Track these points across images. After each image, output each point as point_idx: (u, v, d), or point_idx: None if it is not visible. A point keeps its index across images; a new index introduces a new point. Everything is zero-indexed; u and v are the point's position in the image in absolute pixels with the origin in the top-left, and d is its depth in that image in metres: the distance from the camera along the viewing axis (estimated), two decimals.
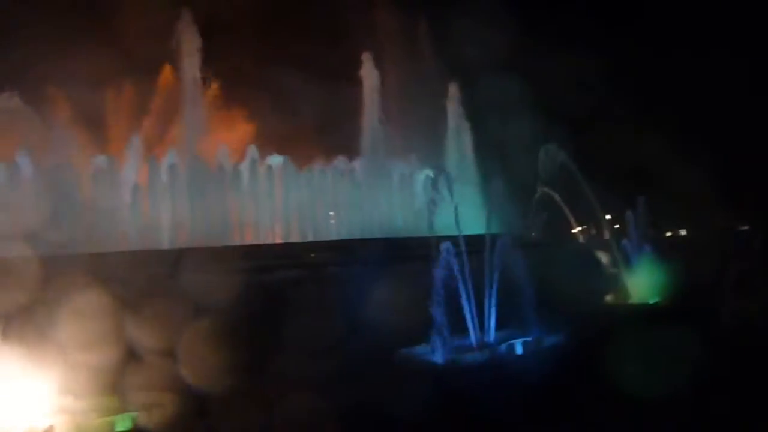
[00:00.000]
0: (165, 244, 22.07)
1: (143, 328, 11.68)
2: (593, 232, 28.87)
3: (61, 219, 20.23)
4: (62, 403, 10.00)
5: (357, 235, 23.35)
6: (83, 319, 11.29)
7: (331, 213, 26.34)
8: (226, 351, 11.41)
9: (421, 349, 13.05)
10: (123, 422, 10.11)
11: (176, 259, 15.44)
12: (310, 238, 23.89)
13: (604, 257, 22.07)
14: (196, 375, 10.95)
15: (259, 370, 11.08)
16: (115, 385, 10.76)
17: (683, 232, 42.17)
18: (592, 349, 11.88)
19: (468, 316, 13.71)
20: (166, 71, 30.78)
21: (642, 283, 19.72)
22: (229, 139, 29.76)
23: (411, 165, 29.43)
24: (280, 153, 26.54)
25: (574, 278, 16.54)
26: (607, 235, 24.58)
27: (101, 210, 22.01)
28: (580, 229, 26.95)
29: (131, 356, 11.20)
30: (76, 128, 28.29)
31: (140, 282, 13.04)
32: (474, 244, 15.40)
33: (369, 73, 30.38)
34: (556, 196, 21.49)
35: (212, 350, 11.58)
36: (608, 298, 19.87)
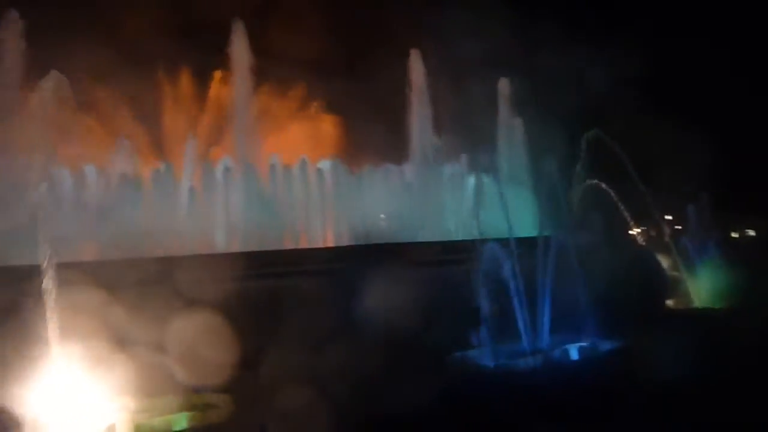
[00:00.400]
0: (219, 248, 22.50)
1: (201, 330, 11.93)
2: (652, 233, 27.88)
3: (125, 225, 20.95)
4: (122, 403, 10.34)
5: (407, 238, 23.19)
6: (142, 321, 11.60)
7: (382, 216, 26.31)
8: (278, 352, 11.55)
9: (473, 353, 12.89)
10: (179, 422, 10.37)
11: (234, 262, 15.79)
12: (361, 242, 23.92)
13: (664, 259, 21.31)
14: (251, 376, 11.13)
15: (313, 372, 11.13)
16: (172, 386, 11.06)
17: (752, 233, 40.21)
18: (652, 355, 11.44)
19: (520, 320, 13.46)
20: (218, 76, 31.52)
21: (706, 287, 18.92)
22: (280, 143, 30.27)
23: (461, 166, 29.07)
24: (330, 157, 26.75)
25: (632, 281, 16.02)
26: (667, 236, 23.71)
27: (159, 215, 22.65)
28: (639, 230, 26.04)
29: (188, 358, 11.45)
30: (135, 134, 29.42)
31: (199, 286, 13.31)
32: (526, 245, 15.14)
33: (417, 73, 30.19)
34: (612, 194, 20.72)
35: (264, 351, 11.75)
36: (669, 302, 19.14)
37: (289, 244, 23.04)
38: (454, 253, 17.27)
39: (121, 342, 11.05)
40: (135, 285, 12.39)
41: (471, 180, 27.47)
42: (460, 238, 24.01)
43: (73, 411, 9.71)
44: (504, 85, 30.91)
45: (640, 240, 26.30)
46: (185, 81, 33.06)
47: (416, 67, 30.29)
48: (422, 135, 30.09)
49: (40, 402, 9.50)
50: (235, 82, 28.19)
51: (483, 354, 12.69)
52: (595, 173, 21.65)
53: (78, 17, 28.62)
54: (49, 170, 22.11)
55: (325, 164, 25.96)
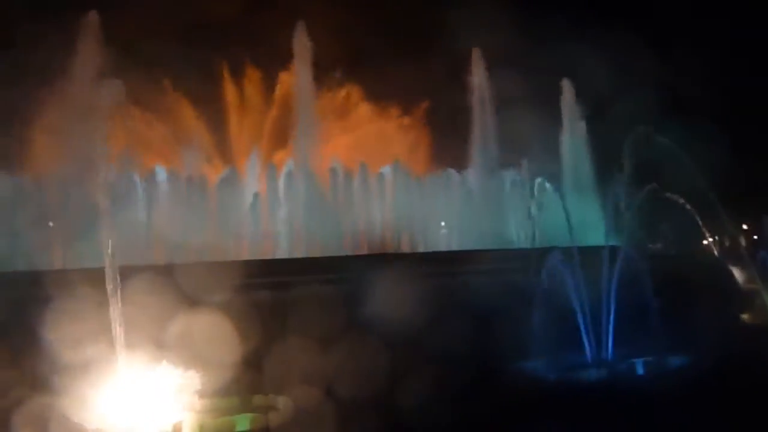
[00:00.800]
0: (282, 253, 22.95)
1: (269, 333, 12.16)
2: (726, 243, 26.58)
3: (193, 228, 21.69)
4: (188, 402, 10.66)
5: (468, 246, 22.98)
6: (206, 323, 11.94)
7: (443, 223, 26.16)
8: (337, 355, 11.66)
9: (533, 364, 12.61)
10: (242, 422, 10.60)
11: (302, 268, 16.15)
12: (421, 249, 23.87)
13: (740, 271, 20.27)
14: (314, 379, 11.25)
15: (368, 380, 11.16)
16: (237, 387, 11.33)
17: None
18: (724, 372, 10.91)
19: (583, 331, 13.10)
20: (283, 80, 31.94)
21: None
22: (342, 148, 30.55)
23: (523, 172, 28.50)
24: (391, 162, 26.78)
25: (704, 294, 15.32)
26: (743, 247, 22.55)
27: (224, 219, 23.34)
28: (711, 240, 24.88)
29: (255, 359, 11.71)
30: (201, 138, 30.40)
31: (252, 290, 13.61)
32: (591, 255, 14.73)
33: (478, 76, 29.78)
34: (685, 203, 19.79)
35: (327, 354, 11.87)
36: (744, 316, 18.19)
37: (347, 250, 23.19)
38: (514, 262, 17.00)
39: (186, 343, 11.37)
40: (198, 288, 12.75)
41: (532, 187, 27.01)
42: (521, 246, 23.67)
43: (140, 409, 10.05)
44: (567, 88, 30.11)
45: (714, 250, 25.12)
46: (250, 84, 33.70)
47: (478, 69, 29.89)
48: (484, 140, 29.73)
49: (106, 400, 9.88)
50: (297, 85, 28.51)
51: (543, 366, 12.38)
52: (653, 178, 20.83)
53: (143, 20, 29.66)
54: (122, 174, 23.18)
55: (386, 169, 26.04)
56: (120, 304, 10.20)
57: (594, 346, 13.02)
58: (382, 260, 18.79)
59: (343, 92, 34.20)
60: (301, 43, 27.95)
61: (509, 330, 12.38)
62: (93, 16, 24.34)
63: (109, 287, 10.22)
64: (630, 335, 13.10)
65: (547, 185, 26.11)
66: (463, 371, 11.45)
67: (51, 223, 21.90)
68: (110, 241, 10.48)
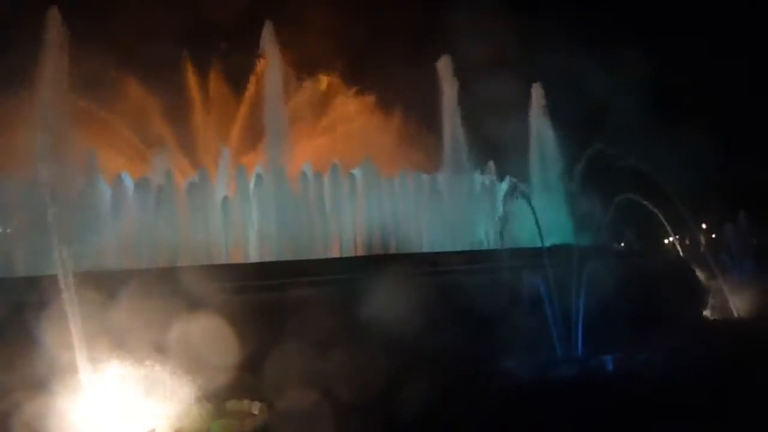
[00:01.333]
0: (252, 257, 22.76)
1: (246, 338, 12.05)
2: (687, 242, 27.37)
3: (161, 234, 21.39)
4: (162, 409, 10.54)
5: (437, 247, 23.14)
6: (185, 328, 11.79)
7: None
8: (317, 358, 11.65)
9: (506, 363, 12.81)
10: (216, 428, 10.54)
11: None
12: (392, 250, 23.94)
13: (700, 269, 20.91)
14: (290, 383, 11.21)
15: (344, 379, 11.18)
16: (209, 393, 11.22)
17: None
18: (692, 367, 11.26)
19: (553, 329, 13.37)
20: (252, 82, 31.58)
21: (743, 297, 18.52)
22: (312, 149, 30.45)
23: (491, 174, 28.93)
24: (361, 164, 26.79)
25: (668, 291, 15.77)
26: (703, 245, 23.26)
27: (195, 224, 23.03)
28: (673, 239, 25.61)
29: (224, 365, 11.61)
30: (168, 141, 29.87)
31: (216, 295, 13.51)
32: (559, 254, 15.04)
33: (448, 80, 30.02)
34: (648, 204, 20.40)
35: (306, 358, 11.84)
36: (706, 312, 18.79)
37: (319, 253, 23.13)
38: (483, 262, 17.22)
39: (158, 348, 11.22)
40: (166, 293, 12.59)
41: (501, 187, 27.40)
42: (490, 247, 23.96)
43: (114, 416, 9.92)
44: (537, 91, 30.61)
45: (678, 249, 25.87)
46: (217, 85, 33.22)
47: (446, 73, 30.15)
48: (453, 142, 29.95)
49: (80, 408, 9.73)
50: (267, 86, 28.18)
51: (516, 364, 12.59)
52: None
53: (107, 24, 29.08)
54: (88, 180, 22.71)
55: (356, 171, 26.05)
56: (79, 311, 10.05)
57: (564, 344, 13.28)
58: (358, 262, 18.85)
59: (314, 91, 33.86)
60: (270, 41, 27.64)
61: (484, 330, 12.57)
62: (55, 14, 23.78)
63: (64, 294, 10.08)
64: (598, 332, 13.41)
65: (513, 185, 26.56)
66: (439, 371, 11.55)
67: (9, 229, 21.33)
68: (63, 247, 10.35)
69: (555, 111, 30.90)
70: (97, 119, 26.95)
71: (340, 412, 10.06)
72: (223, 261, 21.96)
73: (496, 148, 29.19)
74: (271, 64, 27.93)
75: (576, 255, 14.77)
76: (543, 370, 12.51)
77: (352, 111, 33.98)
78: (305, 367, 11.32)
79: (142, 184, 23.72)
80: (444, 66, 29.91)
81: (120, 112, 28.51)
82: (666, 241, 25.79)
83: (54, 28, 23.73)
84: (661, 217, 20.34)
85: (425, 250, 23.86)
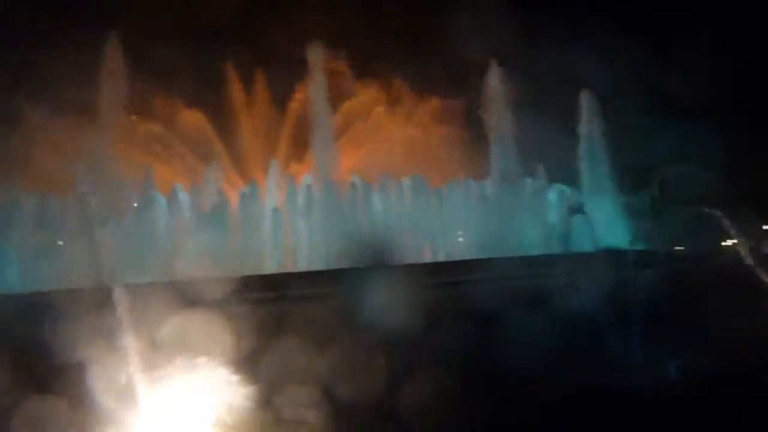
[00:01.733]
0: (304, 266, 23.00)
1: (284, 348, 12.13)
2: (751, 245, 26.11)
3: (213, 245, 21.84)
4: (219, 418, 10.64)
5: (487, 254, 22.89)
6: (242, 337, 11.92)
7: (460, 232, 26.08)
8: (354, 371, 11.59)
9: (567, 371, 12.46)
10: None
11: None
12: (441, 258, 23.85)
13: (764, 274, 19.89)
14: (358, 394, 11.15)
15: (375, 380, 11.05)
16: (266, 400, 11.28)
17: None
18: (756, 379, 10.73)
19: (613, 337, 12.94)
20: (299, 93, 31.93)
21: None
22: (359, 160, 30.62)
23: (541, 178, 28.43)
24: (410, 173, 26.78)
25: (729, 297, 15.10)
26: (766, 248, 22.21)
27: (246, 235, 23.48)
28: (734, 242, 24.48)
29: (279, 373, 11.69)
30: (220, 156, 30.57)
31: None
32: (615, 260, 14.63)
33: (492, 84, 29.67)
34: (711, 211, 19.55)
35: (344, 369, 11.82)
36: None
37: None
38: (536, 268, 16.92)
39: (215, 357, 11.34)
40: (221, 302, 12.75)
41: (551, 193, 26.91)
42: (542, 253, 23.50)
43: (170, 423, 10.04)
44: (585, 96, 30.04)
45: (742, 252, 24.69)
46: (263, 96, 33.67)
47: (493, 79, 29.82)
48: (502, 148, 29.61)
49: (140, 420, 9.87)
50: (312, 96, 28.49)
51: (577, 371, 12.23)
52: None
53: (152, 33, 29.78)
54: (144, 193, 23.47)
55: (406, 181, 26.05)
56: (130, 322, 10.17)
57: (626, 352, 12.84)
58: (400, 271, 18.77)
59: (360, 100, 33.98)
60: (315, 51, 27.96)
61: (535, 337, 12.30)
62: (113, 37, 24.78)
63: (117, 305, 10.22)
64: (657, 339, 12.93)
65: (565, 189, 26.11)
66: (505, 380, 11.37)
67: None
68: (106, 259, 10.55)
69: (605, 113, 30.38)
70: (151, 135, 27.93)
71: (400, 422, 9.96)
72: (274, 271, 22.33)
73: (541, 151, 28.69)
74: (316, 76, 28.31)
75: (632, 260, 14.36)
76: (604, 378, 12.11)
77: (397, 117, 34.02)
78: (362, 379, 11.28)
79: (195, 196, 24.42)
80: (493, 70, 29.59)
81: (171, 128, 29.42)
82: (728, 244, 24.70)
83: (114, 51, 24.87)
84: (724, 221, 19.47)
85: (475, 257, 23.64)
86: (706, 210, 17.62)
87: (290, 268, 22.81)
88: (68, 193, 21.31)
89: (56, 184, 22.15)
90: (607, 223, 20.38)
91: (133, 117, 27.39)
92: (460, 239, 25.90)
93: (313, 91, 28.26)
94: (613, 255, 14.04)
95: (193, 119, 31.38)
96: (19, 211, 22.18)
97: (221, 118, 32.15)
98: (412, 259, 23.83)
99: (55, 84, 25.92)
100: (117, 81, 24.33)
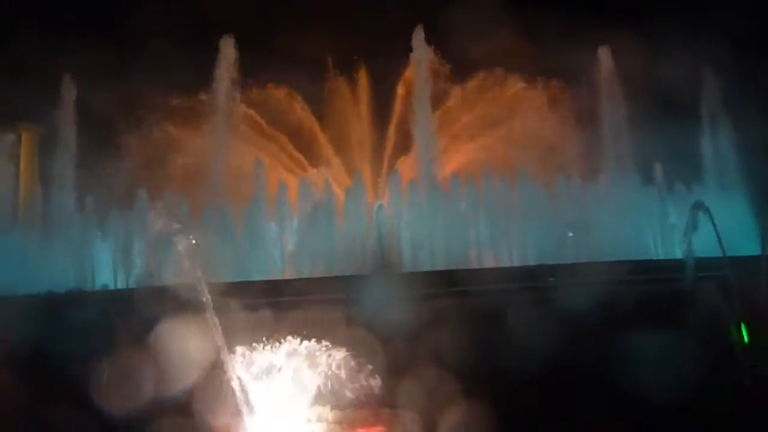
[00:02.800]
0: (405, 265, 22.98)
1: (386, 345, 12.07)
2: None
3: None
4: (319, 413, 10.77)
5: (597, 257, 21.66)
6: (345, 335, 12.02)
7: (570, 234, 24.90)
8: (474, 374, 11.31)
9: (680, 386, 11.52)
10: None
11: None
12: (548, 260, 22.92)
13: None
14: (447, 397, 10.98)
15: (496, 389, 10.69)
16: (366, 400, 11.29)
17: None
18: None
19: (738, 349, 11.79)
20: (401, 88, 31.78)
21: None
22: (466, 153, 30.11)
23: (659, 178, 26.45)
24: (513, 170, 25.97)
25: None
26: None
27: (351, 232, 23.81)
28: None
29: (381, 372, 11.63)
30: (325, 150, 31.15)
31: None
32: (745, 265, 13.34)
33: (607, 73, 28.03)
34: None
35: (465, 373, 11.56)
36: None
37: (473, 262, 22.82)
38: (654, 273, 15.89)
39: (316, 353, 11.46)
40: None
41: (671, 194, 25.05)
42: (660, 257, 22.02)
43: (269, 420, 10.23)
44: (709, 76, 27.67)
45: None
46: (366, 92, 33.72)
47: (606, 67, 28.25)
48: (616, 143, 28.07)
49: (233, 410, 10.11)
50: (416, 93, 28.29)
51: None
52: None
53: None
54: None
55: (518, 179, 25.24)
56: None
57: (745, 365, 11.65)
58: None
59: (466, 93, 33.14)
60: (420, 47, 27.73)
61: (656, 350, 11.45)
62: (227, 41, 26.00)
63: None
64: None
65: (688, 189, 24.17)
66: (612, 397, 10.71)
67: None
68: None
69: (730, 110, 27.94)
70: (261, 133, 28.97)
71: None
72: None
73: (661, 149, 26.65)
74: (419, 70, 28.05)
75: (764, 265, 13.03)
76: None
77: (503, 112, 32.98)
78: (463, 386, 11.04)
79: (302, 192, 25.10)
80: (604, 55, 27.90)
81: (279, 125, 30.30)
82: None
83: (228, 50, 26.16)
84: None
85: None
86: None
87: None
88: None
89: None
90: (734, 224, 18.62)
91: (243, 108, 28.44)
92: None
93: (416, 85, 28.11)
94: None
95: (298, 112, 31.88)
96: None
97: (326, 114, 32.45)
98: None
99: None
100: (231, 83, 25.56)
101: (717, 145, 27.36)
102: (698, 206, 13.38)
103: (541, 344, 11.94)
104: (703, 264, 13.35)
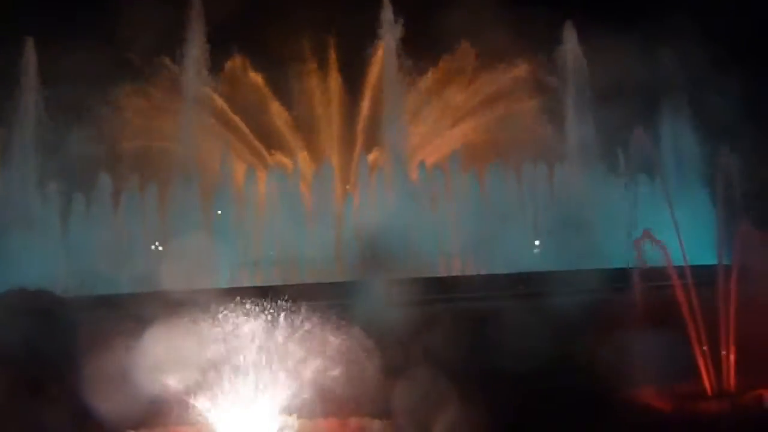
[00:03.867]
0: None
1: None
2: None
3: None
4: (285, 421, 10.69)
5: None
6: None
7: (537, 242, 24.93)
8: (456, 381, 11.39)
9: (643, 394, 11.85)
10: None
11: None
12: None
13: None
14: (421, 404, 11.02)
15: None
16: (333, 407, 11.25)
17: None
18: None
19: (699, 358, 12.15)
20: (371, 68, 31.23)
21: None
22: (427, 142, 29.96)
23: (620, 166, 26.48)
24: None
25: None
26: None
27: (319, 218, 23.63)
28: None
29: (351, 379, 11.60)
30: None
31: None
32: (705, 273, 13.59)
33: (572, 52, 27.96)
34: None
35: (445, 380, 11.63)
36: None
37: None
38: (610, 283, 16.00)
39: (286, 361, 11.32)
40: None
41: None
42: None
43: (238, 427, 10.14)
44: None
45: None
46: (334, 75, 33.15)
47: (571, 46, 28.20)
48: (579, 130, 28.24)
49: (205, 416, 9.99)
50: (385, 75, 27.89)
51: (656, 395, 11.62)
52: None
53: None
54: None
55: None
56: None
57: (713, 376, 12.03)
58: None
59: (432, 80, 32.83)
60: (388, 28, 27.28)
61: (615, 357, 11.72)
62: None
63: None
64: (755, 364, 12.01)
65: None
66: (567, 400, 10.93)
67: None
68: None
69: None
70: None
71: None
72: None
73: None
74: (388, 52, 27.45)
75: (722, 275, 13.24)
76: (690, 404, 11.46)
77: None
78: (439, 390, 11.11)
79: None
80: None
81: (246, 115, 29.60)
82: None
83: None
84: None
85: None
86: None
87: None
88: None
89: None
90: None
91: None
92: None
93: (385, 68, 27.71)
94: None
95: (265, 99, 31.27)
96: None
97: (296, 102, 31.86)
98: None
99: None
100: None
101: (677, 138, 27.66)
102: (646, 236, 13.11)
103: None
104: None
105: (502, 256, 21.47)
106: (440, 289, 17.18)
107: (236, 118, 29.31)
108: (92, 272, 19.41)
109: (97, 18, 26.94)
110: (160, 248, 22.76)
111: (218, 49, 27.31)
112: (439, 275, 21.80)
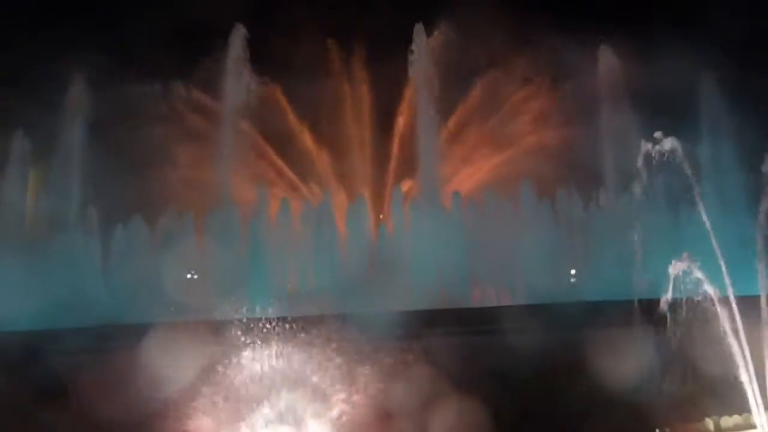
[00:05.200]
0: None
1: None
2: None
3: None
4: None
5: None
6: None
7: (573, 271, 24.44)
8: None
9: (692, 427, 11.42)
10: None
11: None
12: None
13: None
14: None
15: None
16: None
17: None
18: None
19: (749, 391, 11.64)
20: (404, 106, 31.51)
21: None
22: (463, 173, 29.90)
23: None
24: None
25: None
26: None
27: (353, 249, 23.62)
28: None
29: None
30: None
31: None
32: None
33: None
34: None
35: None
36: None
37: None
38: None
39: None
40: None
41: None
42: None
43: None
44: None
45: None
46: (369, 109, 33.54)
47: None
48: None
49: None
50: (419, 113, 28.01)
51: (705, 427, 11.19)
52: None
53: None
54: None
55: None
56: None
57: (762, 407, 11.52)
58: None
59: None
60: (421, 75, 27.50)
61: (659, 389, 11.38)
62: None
63: None
64: None
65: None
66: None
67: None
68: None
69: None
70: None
71: None
72: None
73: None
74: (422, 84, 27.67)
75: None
76: None
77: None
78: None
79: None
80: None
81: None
82: None
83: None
84: None
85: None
86: None
87: None
88: None
89: None
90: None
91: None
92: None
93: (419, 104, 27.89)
94: None
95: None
96: None
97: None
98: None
99: None
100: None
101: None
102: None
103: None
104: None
105: (538, 285, 20.98)
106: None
107: (269, 149, 29.82)
108: (131, 299, 19.69)
109: (136, 48, 27.95)
110: (195, 276, 23.06)
111: (254, 80, 27.80)
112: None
